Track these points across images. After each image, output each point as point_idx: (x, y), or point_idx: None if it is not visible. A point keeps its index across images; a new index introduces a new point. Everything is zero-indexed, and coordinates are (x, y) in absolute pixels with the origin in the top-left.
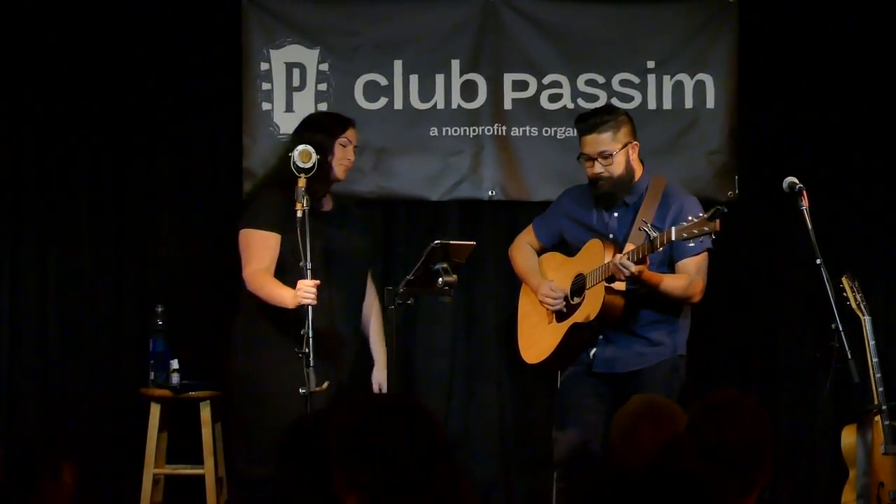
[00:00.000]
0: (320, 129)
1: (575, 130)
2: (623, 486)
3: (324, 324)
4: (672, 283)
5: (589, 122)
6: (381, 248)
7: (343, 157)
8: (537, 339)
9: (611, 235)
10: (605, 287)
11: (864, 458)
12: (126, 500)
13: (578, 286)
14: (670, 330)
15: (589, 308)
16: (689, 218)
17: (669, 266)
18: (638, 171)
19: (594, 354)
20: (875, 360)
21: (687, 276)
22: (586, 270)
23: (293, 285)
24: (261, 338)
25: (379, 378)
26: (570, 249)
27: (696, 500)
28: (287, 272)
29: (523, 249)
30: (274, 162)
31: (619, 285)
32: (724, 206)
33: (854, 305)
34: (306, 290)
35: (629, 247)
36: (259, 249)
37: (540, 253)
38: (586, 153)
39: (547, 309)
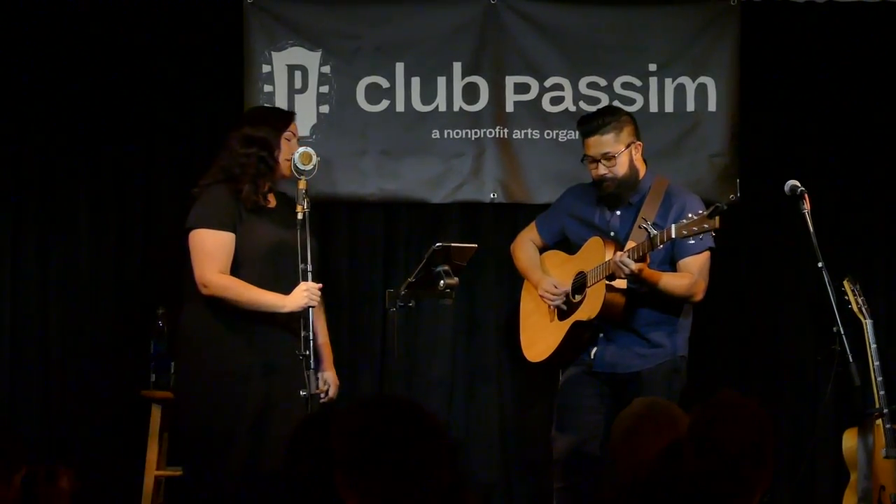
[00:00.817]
0: (264, 124)
1: (577, 133)
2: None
3: (282, 320)
4: (672, 281)
5: (592, 124)
6: (383, 250)
7: (288, 151)
8: (539, 337)
9: (612, 234)
10: (606, 285)
11: (866, 462)
12: (127, 503)
13: (579, 284)
14: (671, 331)
15: (590, 306)
16: (689, 215)
17: (671, 265)
18: (642, 170)
19: (595, 354)
20: (876, 363)
21: (688, 275)
22: (587, 268)
23: (258, 284)
24: (216, 336)
25: (330, 378)
26: (572, 247)
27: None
28: (243, 271)
29: (525, 246)
30: (221, 159)
31: (620, 283)
32: (723, 204)
33: (855, 309)
34: (313, 293)
35: (630, 244)
36: (217, 250)
37: (542, 250)
38: (590, 155)
39: (548, 305)
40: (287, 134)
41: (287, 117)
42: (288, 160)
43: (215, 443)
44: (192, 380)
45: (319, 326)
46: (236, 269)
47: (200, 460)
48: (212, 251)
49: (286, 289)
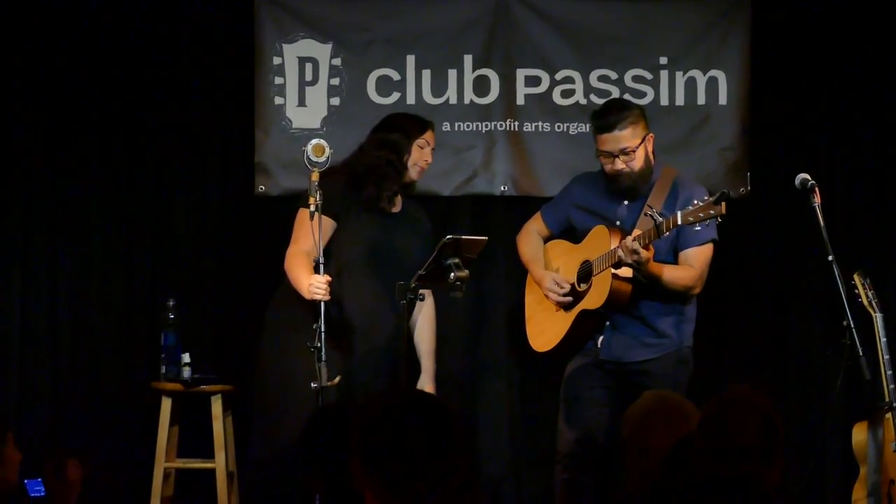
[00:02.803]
0: (396, 129)
1: (588, 126)
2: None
3: (367, 323)
4: (675, 273)
5: (608, 120)
6: None
7: (420, 158)
8: (545, 327)
9: (618, 223)
10: (612, 273)
11: (875, 455)
12: (137, 494)
13: (585, 273)
14: (677, 320)
15: (597, 295)
16: (695, 202)
17: (674, 255)
18: (653, 161)
19: (601, 342)
20: (886, 356)
21: (689, 268)
22: (592, 257)
23: (336, 274)
24: (287, 322)
25: (425, 385)
26: (577, 236)
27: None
28: (331, 260)
29: (530, 237)
30: (352, 156)
31: (626, 271)
32: (728, 190)
33: (865, 302)
34: (317, 286)
35: (636, 232)
36: (304, 230)
37: (547, 239)
38: (607, 151)
39: (552, 301)
40: (421, 141)
41: (423, 125)
42: (417, 166)
43: (271, 430)
44: (263, 356)
45: (424, 335)
46: (327, 256)
47: (266, 440)
48: (300, 230)
49: (371, 293)
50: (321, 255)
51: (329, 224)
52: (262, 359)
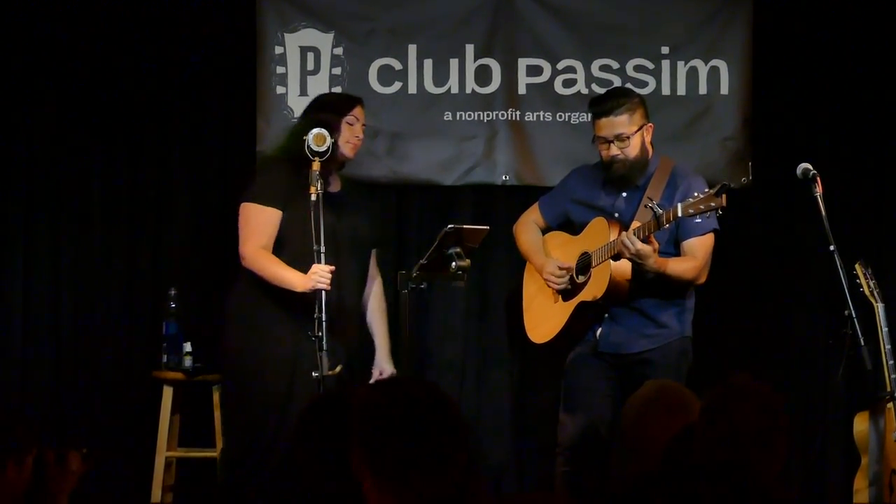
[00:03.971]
0: (326, 108)
1: (589, 115)
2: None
3: (334, 305)
4: (679, 266)
5: (605, 105)
6: (395, 232)
7: (351, 135)
8: (544, 318)
9: (616, 215)
10: (612, 265)
11: (877, 446)
12: (138, 483)
13: (584, 264)
14: (677, 311)
15: (595, 286)
16: (696, 194)
17: (675, 246)
18: (651, 152)
19: (599, 333)
20: (888, 346)
21: (692, 259)
22: (591, 249)
23: (292, 262)
24: (258, 315)
25: (382, 365)
26: (576, 229)
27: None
28: (285, 250)
29: (528, 227)
30: (283, 139)
31: (625, 264)
32: (730, 182)
33: (867, 292)
34: (322, 275)
35: (635, 224)
36: (260, 225)
37: (544, 231)
38: (602, 136)
39: (552, 288)
40: (349, 118)
41: (351, 101)
42: (350, 143)
43: (252, 420)
44: (233, 358)
45: (376, 313)
46: (279, 246)
47: (239, 437)
48: (254, 226)
49: (341, 272)
50: (322, 244)
51: (277, 216)
52: (235, 357)
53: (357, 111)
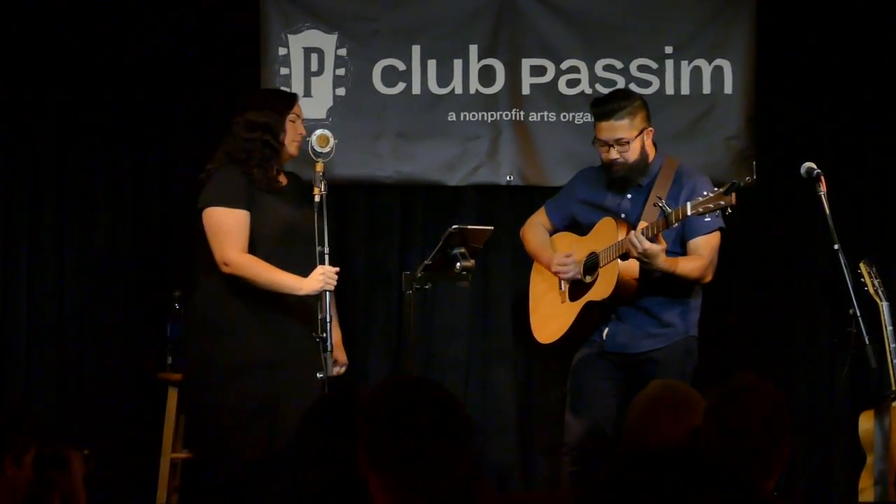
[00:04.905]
0: (266, 108)
1: (591, 116)
2: (642, 469)
3: (294, 300)
4: (687, 265)
5: (606, 108)
6: (399, 232)
7: (294, 133)
8: (551, 318)
9: (622, 216)
10: (620, 265)
11: (882, 444)
12: (143, 485)
13: (591, 264)
14: (682, 311)
15: (603, 286)
16: (705, 193)
17: (681, 245)
18: (651, 154)
19: (606, 333)
20: (892, 345)
21: (699, 258)
22: (599, 248)
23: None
24: (231, 320)
25: (339, 358)
26: (583, 230)
27: (716, 484)
28: (256, 252)
29: (535, 229)
30: (225, 144)
31: (633, 263)
32: (739, 180)
33: (872, 291)
34: (329, 276)
35: (642, 224)
36: (235, 228)
37: (551, 234)
38: (602, 139)
39: (560, 279)
40: (291, 116)
41: (290, 99)
42: (295, 142)
43: (227, 427)
44: (206, 363)
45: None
46: (250, 249)
47: (213, 444)
48: (231, 229)
49: (297, 270)
50: (326, 246)
51: (246, 216)
52: (204, 363)
53: (297, 108)
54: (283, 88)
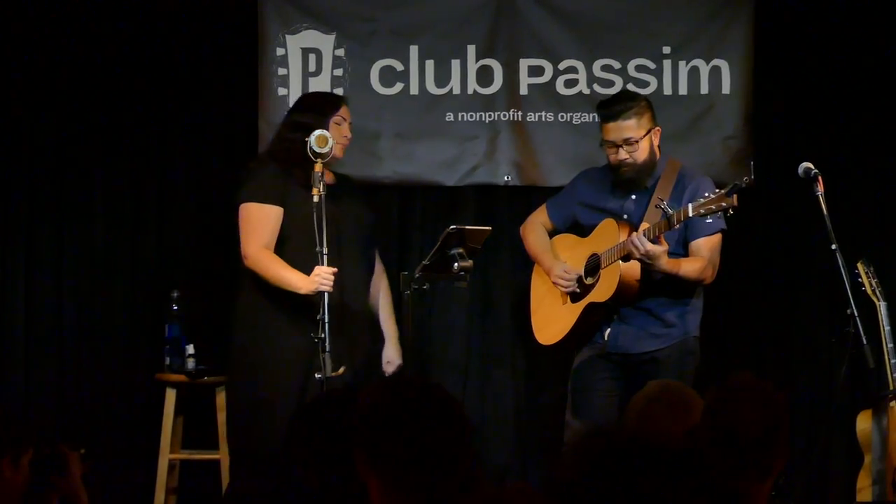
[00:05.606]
0: (310, 110)
1: (591, 116)
2: (638, 464)
3: (336, 302)
4: (688, 266)
5: (613, 108)
6: (398, 233)
7: (339, 135)
8: (552, 319)
9: (625, 216)
10: (622, 266)
11: (880, 444)
12: (141, 486)
13: (593, 266)
14: (683, 311)
15: (605, 288)
16: (706, 194)
17: (683, 246)
18: (658, 155)
19: (608, 335)
20: (890, 345)
21: (701, 259)
22: (600, 250)
23: (295, 260)
24: (264, 315)
25: (390, 355)
26: (584, 231)
27: (713, 485)
28: (286, 248)
29: (536, 229)
30: (271, 143)
31: (634, 264)
32: (741, 182)
33: (869, 291)
34: (324, 278)
35: (644, 226)
36: (261, 223)
37: (552, 234)
38: (611, 140)
39: (560, 290)
40: (336, 118)
41: (336, 102)
42: (339, 144)
43: (261, 423)
44: (237, 357)
45: (383, 303)
46: (281, 244)
47: (248, 439)
48: (255, 225)
49: (345, 267)
50: (325, 246)
51: (277, 213)
52: (241, 359)
53: (343, 111)
54: (333, 91)
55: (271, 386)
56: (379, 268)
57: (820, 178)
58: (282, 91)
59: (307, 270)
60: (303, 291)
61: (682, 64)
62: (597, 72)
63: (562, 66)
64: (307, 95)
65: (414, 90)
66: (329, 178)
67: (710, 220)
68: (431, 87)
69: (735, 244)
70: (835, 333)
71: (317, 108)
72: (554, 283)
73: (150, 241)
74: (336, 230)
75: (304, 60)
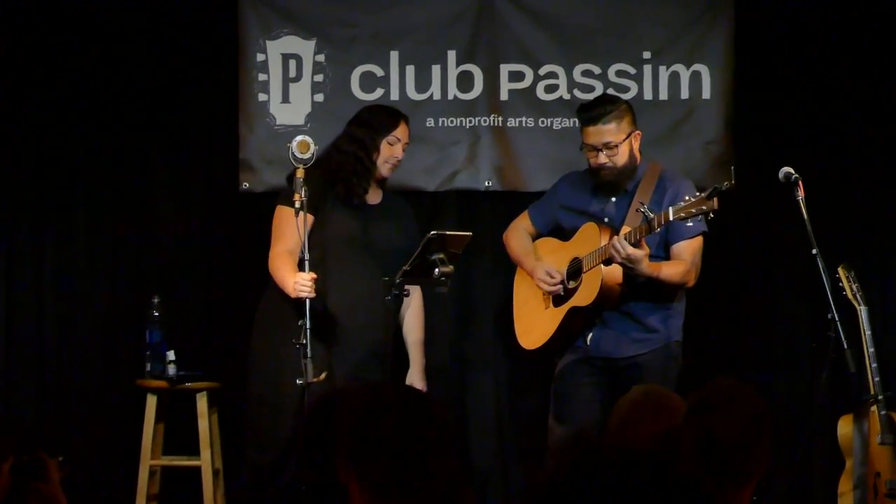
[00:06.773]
0: (365, 125)
1: (572, 121)
2: (615, 472)
3: (344, 314)
4: (669, 270)
5: (592, 112)
6: None
7: (390, 155)
8: (534, 324)
9: (606, 220)
10: (603, 271)
11: (861, 448)
12: (122, 492)
13: (574, 270)
14: (666, 315)
15: (586, 292)
16: (687, 198)
17: (665, 249)
18: (639, 159)
19: (590, 339)
20: (871, 350)
21: (682, 262)
22: (582, 254)
23: (314, 266)
24: (274, 322)
25: (413, 381)
26: (566, 236)
27: (692, 491)
28: (312, 254)
29: (519, 234)
30: (326, 151)
31: (616, 268)
32: (722, 185)
33: (850, 295)
34: (302, 283)
35: (626, 229)
36: (288, 228)
37: (535, 238)
38: (591, 144)
39: (544, 292)
40: (391, 138)
41: (393, 120)
42: (388, 163)
43: (270, 424)
44: (255, 362)
45: (413, 327)
46: (313, 253)
47: (260, 440)
48: (282, 228)
49: (349, 282)
50: (306, 252)
51: (308, 219)
52: (255, 360)
53: (400, 131)
54: (393, 108)
55: (281, 388)
56: (417, 302)
57: (801, 182)
58: (262, 97)
59: (334, 283)
60: (292, 296)
61: (662, 69)
62: (577, 77)
63: (542, 71)
64: (366, 108)
65: (394, 96)
66: (376, 196)
67: (692, 224)
68: (412, 93)
69: (716, 249)
70: (816, 338)
71: (373, 125)
72: (537, 284)
73: (130, 245)
74: (363, 246)
75: (284, 66)
